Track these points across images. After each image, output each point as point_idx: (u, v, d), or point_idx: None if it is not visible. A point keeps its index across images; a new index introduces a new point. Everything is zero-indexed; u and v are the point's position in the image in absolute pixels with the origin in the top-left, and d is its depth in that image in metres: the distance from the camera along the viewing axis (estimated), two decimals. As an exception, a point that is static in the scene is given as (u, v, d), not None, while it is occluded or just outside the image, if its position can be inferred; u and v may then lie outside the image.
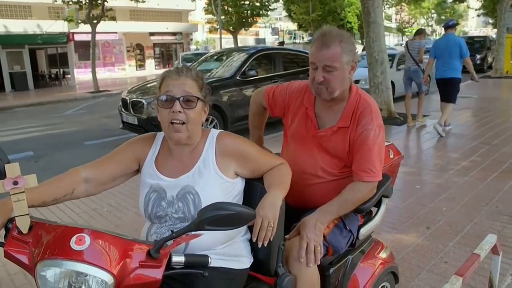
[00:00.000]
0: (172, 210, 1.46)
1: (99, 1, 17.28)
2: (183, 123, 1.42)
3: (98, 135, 8.52)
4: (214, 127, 6.95)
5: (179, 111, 1.40)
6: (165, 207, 1.47)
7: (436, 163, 5.42)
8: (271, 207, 1.40)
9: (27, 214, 1.15)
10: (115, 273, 1.07)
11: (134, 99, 7.00)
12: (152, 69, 30.59)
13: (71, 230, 1.12)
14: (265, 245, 1.40)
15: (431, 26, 73.07)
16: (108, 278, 1.06)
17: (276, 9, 30.77)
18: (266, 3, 26.01)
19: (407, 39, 8.25)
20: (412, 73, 7.69)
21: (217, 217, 1.13)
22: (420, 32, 8.02)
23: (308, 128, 1.87)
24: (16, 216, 1.15)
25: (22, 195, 1.14)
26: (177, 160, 1.52)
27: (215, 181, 1.47)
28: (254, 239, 1.38)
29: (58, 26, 23.22)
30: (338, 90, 1.76)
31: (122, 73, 28.86)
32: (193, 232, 1.16)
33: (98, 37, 18.87)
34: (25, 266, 1.15)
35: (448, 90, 6.84)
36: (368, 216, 2.05)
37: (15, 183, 1.13)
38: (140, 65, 30.53)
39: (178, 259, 1.19)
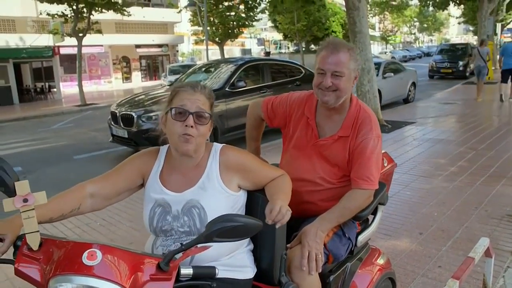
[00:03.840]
0: (177, 224, 1.48)
1: (84, 14, 17.25)
2: (194, 137, 1.45)
3: (87, 148, 8.47)
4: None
5: (191, 126, 1.43)
6: (170, 221, 1.49)
7: (425, 169, 5.52)
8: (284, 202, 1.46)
9: (37, 231, 1.17)
10: (127, 287, 1.09)
11: (124, 112, 6.99)
12: (138, 82, 30.50)
13: (81, 245, 1.13)
14: (277, 226, 1.42)
15: (414, 34, 74.41)
16: None
17: (261, 19, 31.06)
18: (252, 14, 26.21)
19: (477, 46, 13.00)
20: (482, 68, 11.96)
21: (225, 229, 1.16)
22: (484, 41, 12.77)
23: (308, 137, 1.91)
24: (27, 233, 1.16)
25: (32, 212, 1.16)
26: (182, 174, 1.54)
27: (220, 195, 1.50)
28: (269, 222, 1.39)
29: (43, 40, 23.05)
30: (344, 96, 1.81)
31: (109, 86, 28.71)
32: (202, 244, 1.19)
33: (84, 50, 18.78)
34: (36, 283, 1.16)
35: None
36: (365, 224, 2.10)
37: (25, 200, 1.15)
38: (127, 78, 30.41)
39: (186, 271, 1.21)
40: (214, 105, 1.56)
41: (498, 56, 12.29)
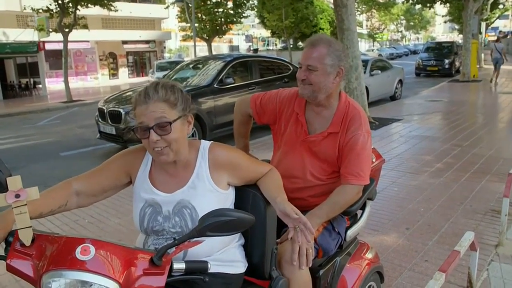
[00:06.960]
0: (169, 225, 1.47)
1: (70, 10, 17.01)
2: (166, 146, 1.40)
3: (74, 145, 8.38)
4: (192, 135, 6.96)
5: (157, 140, 1.38)
6: (161, 222, 1.48)
7: (412, 165, 5.59)
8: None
9: (30, 227, 1.16)
10: (121, 281, 1.09)
11: (112, 109, 6.94)
12: (125, 78, 30.25)
13: (74, 240, 1.13)
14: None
15: (401, 32, 75.05)
16: (114, 287, 1.08)
17: (249, 16, 30.97)
18: (240, 11, 26.14)
19: (494, 43, 16.94)
20: (498, 59, 15.41)
21: (218, 223, 1.17)
22: (498, 38, 18.21)
23: (298, 133, 1.93)
24: (19, 229, 1.16)
25: (24, 207, 1.15)
26: (171, 174, 1.52)
27: (210, 194, 1.49)
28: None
29: (28, 35, 22.68)
30: (321, 92, 1.83)
31: (95, 82, 28.41)
32: (194, 239, 1.20)
33: (69, 45, 18.50)
34: (29, 278, 1.15)
35: None
36: (354, 219, 2.13)
37: (17, 196, 1.14)
38: (113, 74, 30.12)
39: (179, 266, 1.21)
40: (182, 98, 1.45)
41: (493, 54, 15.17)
